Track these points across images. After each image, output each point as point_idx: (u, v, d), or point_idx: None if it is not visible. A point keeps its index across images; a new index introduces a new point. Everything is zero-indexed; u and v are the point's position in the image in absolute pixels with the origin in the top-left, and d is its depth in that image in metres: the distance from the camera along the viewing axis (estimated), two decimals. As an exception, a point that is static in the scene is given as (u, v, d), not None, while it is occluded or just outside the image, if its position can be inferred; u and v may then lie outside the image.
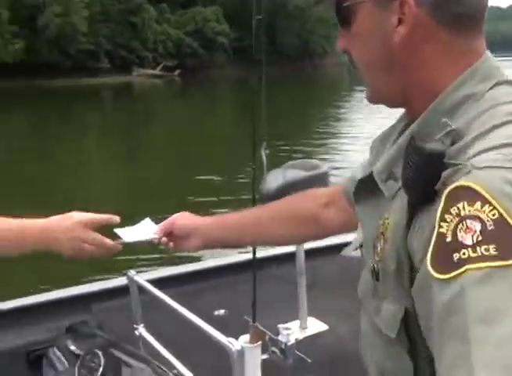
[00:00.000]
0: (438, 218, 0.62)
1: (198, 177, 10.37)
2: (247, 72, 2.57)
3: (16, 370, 2.48)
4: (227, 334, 1.40)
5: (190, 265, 3.30)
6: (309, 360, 2.34)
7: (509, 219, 0.58)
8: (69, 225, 1.39)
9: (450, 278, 0.58)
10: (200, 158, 12.20)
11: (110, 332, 2.25)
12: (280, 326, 2.28)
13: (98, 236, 1.40)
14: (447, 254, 0.60)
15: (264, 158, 2.40)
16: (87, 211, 1.45)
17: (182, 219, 1.41)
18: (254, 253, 2.34)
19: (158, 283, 1.90)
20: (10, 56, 34.96)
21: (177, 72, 45.52)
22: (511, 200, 0.59)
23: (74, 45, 40.74)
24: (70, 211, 1.43)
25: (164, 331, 1.87)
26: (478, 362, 0.53)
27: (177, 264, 3.48)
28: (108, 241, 1.41)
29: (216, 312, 2.84)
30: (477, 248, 0.57)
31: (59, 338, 2.46)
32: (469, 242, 0.58)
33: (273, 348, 2.23)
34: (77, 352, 2.53)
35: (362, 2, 0.78)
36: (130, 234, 1.44)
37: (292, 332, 2.26)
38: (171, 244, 1.41)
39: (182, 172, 11.05)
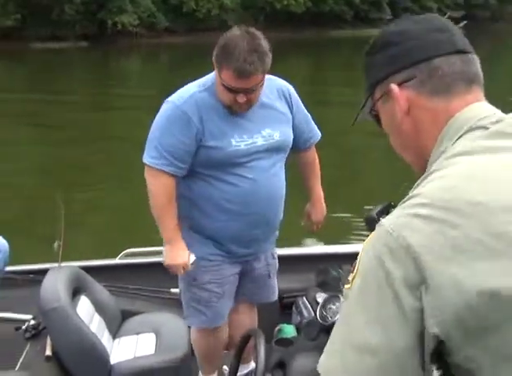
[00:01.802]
0: None
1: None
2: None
3: (271, 312, 2.73)
4: None
5: None
6: None
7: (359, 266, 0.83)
8: None
9: None
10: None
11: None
12: None
13: None
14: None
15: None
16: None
17: None
18: None
19: None
20: (300, 6, 36.66)
21: (462, 24, 42.66)
22: (366, 254, 0.82)
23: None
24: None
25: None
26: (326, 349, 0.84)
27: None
28: None
29: None
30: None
31: (310, 289, 2.61)
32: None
33: None
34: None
35: (375, 105, 1.01)
36: None
37: None
38: None
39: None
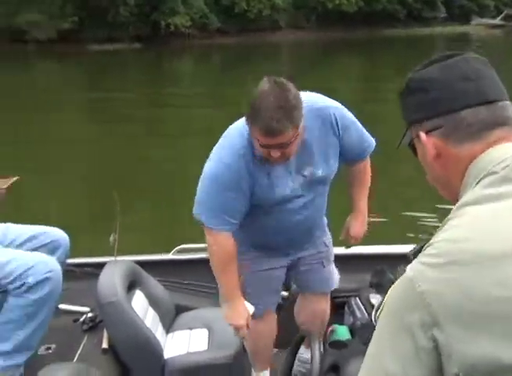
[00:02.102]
0: None
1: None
2: None
3: None
4: None
5: None
6: None
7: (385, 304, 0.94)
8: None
9: None
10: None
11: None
12: None
13: None
14: None
15: None
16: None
17: None
18: None
19: None
20: (352, 5, 36.36)
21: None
22: (391, 295, 0.93)
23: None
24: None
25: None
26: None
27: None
28: None
29: None
30: None
31: (363, 289, 2.58)
32: None
33: None
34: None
35: (413, 141, 1.07)
36: None
37: None
38: None
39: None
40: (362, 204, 2.45)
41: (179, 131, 11.54)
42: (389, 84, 14.98)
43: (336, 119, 2.13)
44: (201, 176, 2.14)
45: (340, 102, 2.23)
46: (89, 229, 5.71)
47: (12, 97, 14.96)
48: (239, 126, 2.09)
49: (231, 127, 2.16)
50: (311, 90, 2.20)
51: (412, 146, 1.08)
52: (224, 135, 2.15)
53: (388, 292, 0.93)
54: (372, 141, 2.32)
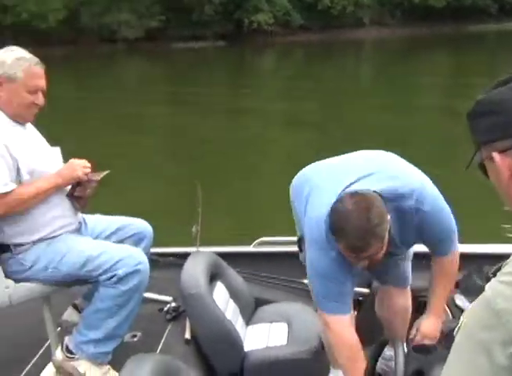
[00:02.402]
0: None
1: None
2: None
3: None
4: None
5: None
6: None
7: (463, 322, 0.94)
8: None
9: None
10: None
11: None
12: None
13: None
14: None
15: None
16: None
17: None
18: None
19: None
20: (440, 0, 35.26)
21: None
22: (470, 313, 0.93)
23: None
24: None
25: None
26: None
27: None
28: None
29: None
30: None
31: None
32: None
33: None
34: (463, 307, 2.53)
35: (483, 161, 1.06)
36: None
37: None
38: None
39: None
40: (437, 304, 2.25)
41: (261, 123, 11.66)
42: (480, 80, 14.48)
43: (418, 217, 2.04)
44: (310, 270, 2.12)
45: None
46: (171, 219, 5.86)
47: (107, 91, 15.67)
48: (322, 223, 2.00)
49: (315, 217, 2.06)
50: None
51: (483, 167, 1.08)
52: (311, 227, 2.08)
53: (466, 311, 0.94)
54: (449, 249, 2.16)
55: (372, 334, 2.21)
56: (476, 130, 1.07)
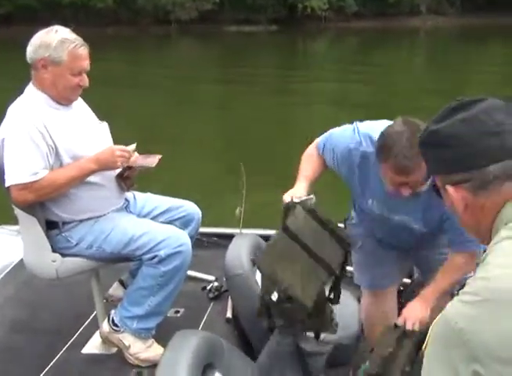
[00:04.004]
0: None
1: None
2: None
3: None
4: None
5: None
6: None
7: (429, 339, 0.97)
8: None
9: None
10: None
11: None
12: None
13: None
14: None
15: None
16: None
17: None
18: None
19: None
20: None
21: None
22: (434, 332, 0.95)
23: None
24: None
25: None
26: None
27: None
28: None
29: None
30: None
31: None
32: None
33: None
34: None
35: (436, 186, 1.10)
36: None
37: None
38: None
39: None
40: (431, 291, 2.16)
41: (308, 104, 11.60)
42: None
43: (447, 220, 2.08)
44: None
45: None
46: (216, 200, 5.92)
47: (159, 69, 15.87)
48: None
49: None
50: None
51: (437, 189, 1.10)
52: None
53: (430, 328, 0.96)
54: (466, 247, 2.07)
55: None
56: (428, 159, 1.09)
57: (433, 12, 34.15)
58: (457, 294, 0.95)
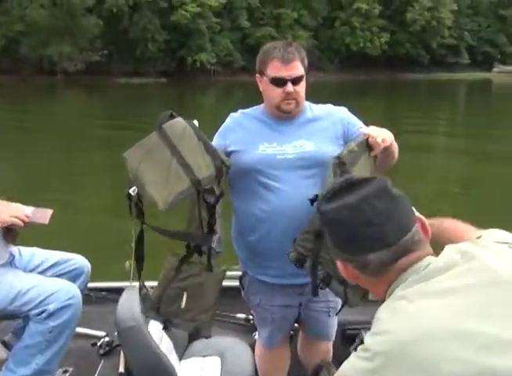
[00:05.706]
0: None
1: None
2: None
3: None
4: None
5: None
6: None
7: None
8: None
9: None
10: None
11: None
12: None
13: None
14: None
15: None
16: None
17: None
18: None
19: None
20: (376, 49, 36.83)
21: None
22: None
23: (437, 40, 40.71)
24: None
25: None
26: None
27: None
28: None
29: None
30: None
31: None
32: None
33: None
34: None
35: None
36: None
37: None
38: None
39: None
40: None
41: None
42: (411, 126, 15.13)
43: (348, 122, 2.19)
44: None
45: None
46: (102, 253, 5.78)
47: (40, 125, 15.35)
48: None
49: None
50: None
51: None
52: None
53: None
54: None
55: (303, 365, 2.26)
56: (325, 231, 1.17)
57: (314, 68, 36.18)
58: (355, 350, 1.03)
